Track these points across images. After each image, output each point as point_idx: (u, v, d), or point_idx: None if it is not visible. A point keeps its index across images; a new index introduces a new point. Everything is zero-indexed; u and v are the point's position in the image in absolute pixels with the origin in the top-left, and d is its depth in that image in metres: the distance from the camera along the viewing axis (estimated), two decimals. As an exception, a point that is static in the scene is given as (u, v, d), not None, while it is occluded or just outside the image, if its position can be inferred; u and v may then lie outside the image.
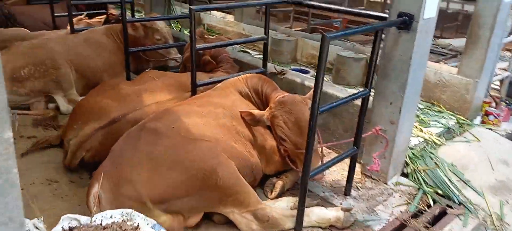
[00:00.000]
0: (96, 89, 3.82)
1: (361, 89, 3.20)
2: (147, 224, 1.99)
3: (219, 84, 3.68)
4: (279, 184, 3.35)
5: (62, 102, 4.66)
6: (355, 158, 3.38)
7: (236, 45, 6.52)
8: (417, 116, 4.62)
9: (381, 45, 3.13)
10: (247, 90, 3.62)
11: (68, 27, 5.49)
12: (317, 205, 3.17)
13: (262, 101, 3.61)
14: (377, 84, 3.50)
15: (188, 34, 5.46)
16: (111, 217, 1.98)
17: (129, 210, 2.04)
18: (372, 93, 3.88)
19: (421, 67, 3.39)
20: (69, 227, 1.86)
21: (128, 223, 1.96)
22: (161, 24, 5.46)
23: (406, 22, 3.11)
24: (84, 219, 1.91)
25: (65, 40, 5.07)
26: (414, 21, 3.09)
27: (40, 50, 4.66)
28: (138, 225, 1.95)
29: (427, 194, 3.47)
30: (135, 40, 5.30)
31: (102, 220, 1.96)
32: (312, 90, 2.62)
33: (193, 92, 3.75)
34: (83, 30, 5.53)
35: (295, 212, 2.92)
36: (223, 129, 3.10)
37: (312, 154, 2.75)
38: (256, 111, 3.35)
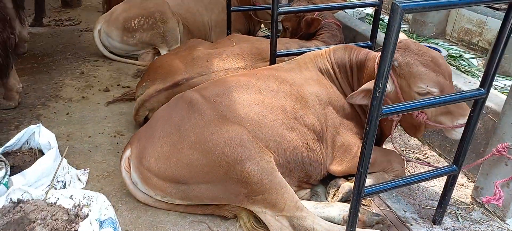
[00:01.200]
0: (176, 48, 3.66)
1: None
2: (104, 215, 1.69)
3: (297, 57, 3.07)
4: (344, 187, 2.67)
5: (166, 56, 4.71)
6: (454, 179, 2.43)
7: (353, 10, 5.59)
8: None
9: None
10: (329, 66, 2.91)
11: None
12: (378, 224, 2.41)
13: (348, 77, 2.85)
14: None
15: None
16: (70, 197, 1.75)
17: (93, 194, 1.77)
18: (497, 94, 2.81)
19: None
20: (18, 199, 1.70)
21: (84, 209, 1.69)
22: (276, -18, 4.97)
23: None
24: (36, 193, 1.72)
25: (181, -6, 5.06)
26: None
27: (151, 2, 4.74)
28: (87, 215, 1.66)
29: None
30: (247, -2, 4.98)
31: (58, 199, 1.74)
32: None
33: (272, 62, 3.24)
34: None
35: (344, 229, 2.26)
36: (277, 111, 2.56)
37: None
38: (369, 84, 2.48)
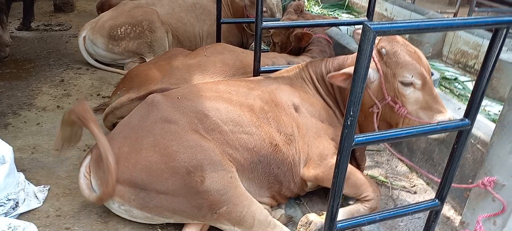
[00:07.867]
0: (157, 57, 3.51)
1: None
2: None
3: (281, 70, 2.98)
4: (316, 223, 2.43)
5: (152, 66, 4.56)
6: (437, 214, 2.24)
7: (344, 27, 5.45)
8: None
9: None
10: (311, 77, 2.85)
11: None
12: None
13: (328, 86, 2.80)
14: (502, 113, 2.24)
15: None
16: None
17: (20, 224, 1.58)
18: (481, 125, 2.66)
19: None
20: None
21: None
22: (272, -6, 4.83)
23: None
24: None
25: (173, 3, 4.92)
26: None
27: (140, 11, 4.61)
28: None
29: None
30: (240, 9, 4.84)
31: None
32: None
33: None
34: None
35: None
36: (245, 109, 2.51)
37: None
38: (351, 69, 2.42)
